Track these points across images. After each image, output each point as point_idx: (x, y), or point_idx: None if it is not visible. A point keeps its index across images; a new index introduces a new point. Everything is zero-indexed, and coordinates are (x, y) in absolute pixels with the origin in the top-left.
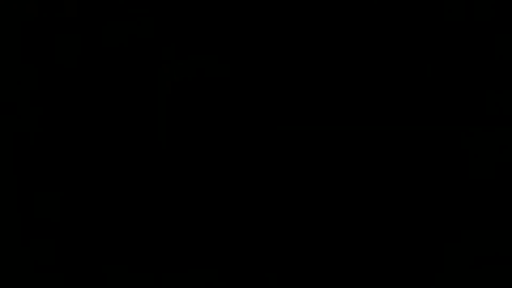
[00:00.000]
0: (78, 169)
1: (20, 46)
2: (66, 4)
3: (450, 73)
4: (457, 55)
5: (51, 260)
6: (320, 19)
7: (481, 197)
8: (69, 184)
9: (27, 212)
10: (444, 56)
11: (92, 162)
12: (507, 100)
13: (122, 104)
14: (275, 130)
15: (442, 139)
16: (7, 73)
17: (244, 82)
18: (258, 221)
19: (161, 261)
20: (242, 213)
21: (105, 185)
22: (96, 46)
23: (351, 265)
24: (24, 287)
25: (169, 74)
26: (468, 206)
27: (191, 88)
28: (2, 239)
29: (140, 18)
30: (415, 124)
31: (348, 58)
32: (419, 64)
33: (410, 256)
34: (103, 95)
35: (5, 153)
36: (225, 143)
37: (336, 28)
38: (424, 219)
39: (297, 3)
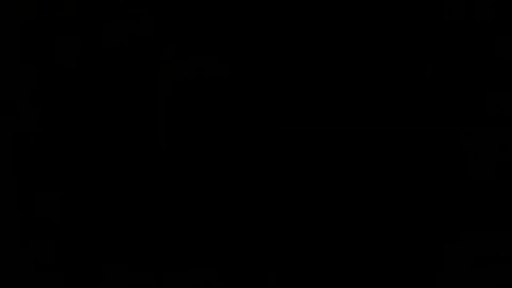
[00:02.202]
0: (78, 169)
1: (20, 46)
2: (66, 4)
3: (450, 73)
4: (457, 55)
5: (51, 260)
6: (320, 19)
7: (481, 197)
8: (69, 184)
9: (27, 212)
10: (444, 56)
11: (92, 162)
12: (507, 100)
13: (122, 104)
14: (275, 130)
15: (442, 139)
16: (7, 73)
17: (244, 82)
18: (258, 221)
19: (161, 261)
20: (242, 213)
21: (105, 185)
22: (96, 46)
23: (351, 265)
24: (24, 287)
25: (169, 74)
26: (468, 206)
27: (191, 88)
28: (2, 239)
29: (140, 18)
30: (415, 124)
31: (348, 58)
32: (419, 64)
33: (410, 256)
34: (103, 95)
35: (5, 153)
36: (225, 143)
37: (336, 28)
38: (424, 219)
39: (297, 3)
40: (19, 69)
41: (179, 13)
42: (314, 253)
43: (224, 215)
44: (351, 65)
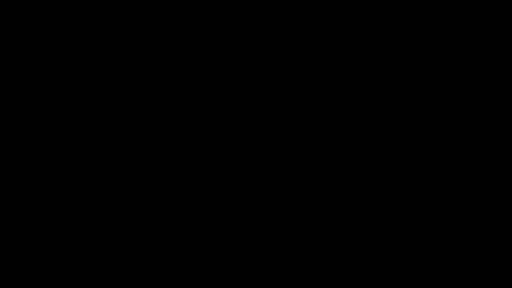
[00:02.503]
0: (78, 169)
1: (20, 46)
2: (66, 4)
3: (450, 73)
4: (457, 55)
5: (51, 260)
6: (320, 19)
7: (481, 197)
8: (69, 184)
9: (27, 212)
10: (444, 56)
11: (92, 162)
12: (507, 100)
13: (122, 104)
14: (275, 130)
15: (442, 139)
16: (7, 73)
17: (244, 82)
18: (258, 221)
19: (161, 261)
20: (242, 213)
21: (105, 185)
22: (96, 46)
23: (351, 265)
24: (24, 287)
25: (169, 74)
26: (468, 206)
27: (191, 88)
28: (2, 239)
29: (140, 18)
30: (415, 124)
31: (348, 58)
32: (419, 64)
33: (410, 256)
34: (103, 95)
35: (5, 153)
36: (225, 143)
37: (336, 28)
38: (424, 219)
39: (297, 3)
40: (19, 69)
41: (179, 13)
42: (314, 253)
43: (224, 215)
44: (351, 65)
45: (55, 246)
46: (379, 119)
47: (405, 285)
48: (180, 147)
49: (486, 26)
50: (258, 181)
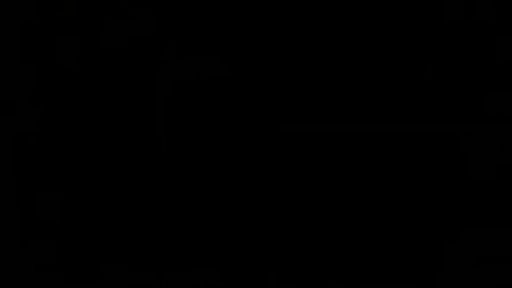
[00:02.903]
0: (78, 169)
1: (20, 46)
2: (66, 4)
3: (450, 73)
4: (457, 55)
5: (51, 260)
6: (320, 19)
7: (481, 197)
8: (69, 184)
9: (27, 212)
10: (444, 56)
11: (92, 162)
12: (507, 100)
13: (122, 104)
14: (275, 130)
15: (442, 139)
16: (7, 73)
17: (244, 82)
18: (258, 221)
19: (161, 261)
20: (242, 213)
21: (105, 185)
22: (96, 46)
23: (351, 265)
24: (24, 287)
25: (169, 74)
26: (468, 206)
27: (191, 88)
28: (2, 239)
29: (140, 18)
30: (415, 124)
31: (348, 58)
32: (419, 64)
33: (410, 256)
34: (103, 95)
35: (5, 153)
36: (225, 143)
37: (336, 28)
38: (424, 219)
39: (297, 3)
40: (19, 69)
41: (179, 13)
42: (314, 253)
43: (224, 215)
44: (351, 65)
45: (55, 246)
46: (379, 119)
47: (405, 285)
48: (180, 147)
49: (486, 26)
50: (258, 181)
